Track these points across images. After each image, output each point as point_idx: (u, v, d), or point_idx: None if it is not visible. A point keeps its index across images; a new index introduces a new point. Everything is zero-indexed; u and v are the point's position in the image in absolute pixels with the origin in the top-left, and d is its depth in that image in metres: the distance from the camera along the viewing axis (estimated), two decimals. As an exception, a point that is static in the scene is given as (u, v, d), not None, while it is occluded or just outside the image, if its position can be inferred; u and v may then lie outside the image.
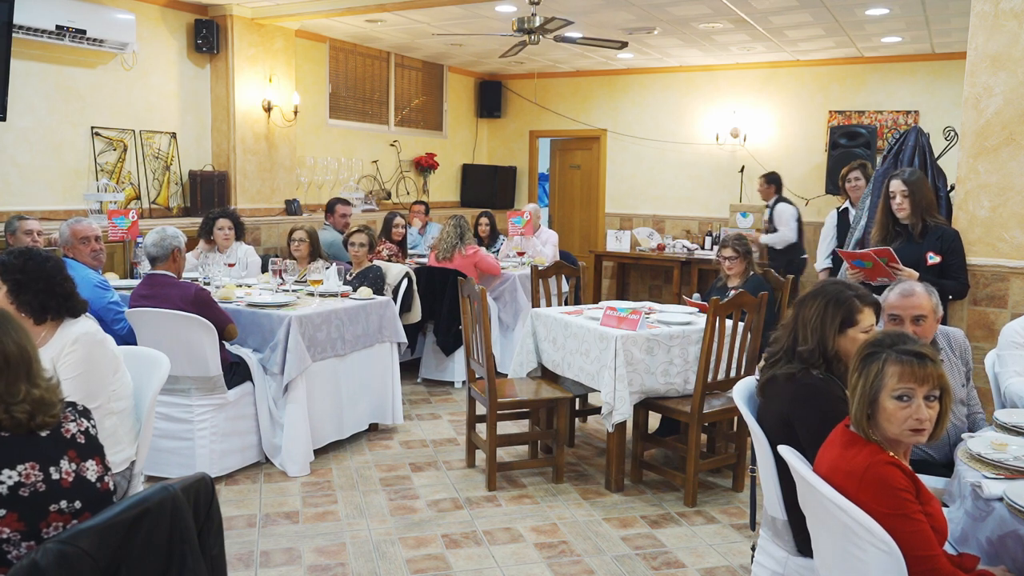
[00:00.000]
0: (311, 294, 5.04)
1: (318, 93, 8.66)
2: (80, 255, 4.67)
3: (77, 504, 1.91)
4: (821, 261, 6.01)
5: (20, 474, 1.83)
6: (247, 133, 7.47)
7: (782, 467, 2.43)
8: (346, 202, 7.46)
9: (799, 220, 7.48)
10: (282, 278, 5.37)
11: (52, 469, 1.89)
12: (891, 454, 2.07)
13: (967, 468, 2.36)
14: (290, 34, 7.82)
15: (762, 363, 2.76)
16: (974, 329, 4.43)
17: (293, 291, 5.19)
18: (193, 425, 4.33)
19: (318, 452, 4.76)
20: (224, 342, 4.41)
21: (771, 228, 7.59)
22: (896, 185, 4.19)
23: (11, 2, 5.31)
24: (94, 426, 2.09)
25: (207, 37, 7.13)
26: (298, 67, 8.10)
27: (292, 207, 7.91)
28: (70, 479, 1.91)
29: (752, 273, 5.07)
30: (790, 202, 7.64)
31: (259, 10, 7.24)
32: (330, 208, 7.39)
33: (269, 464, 4.63)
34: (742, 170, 9.47)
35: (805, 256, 7.60)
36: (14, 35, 5.50)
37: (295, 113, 7.85)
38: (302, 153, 8.42)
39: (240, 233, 6.28)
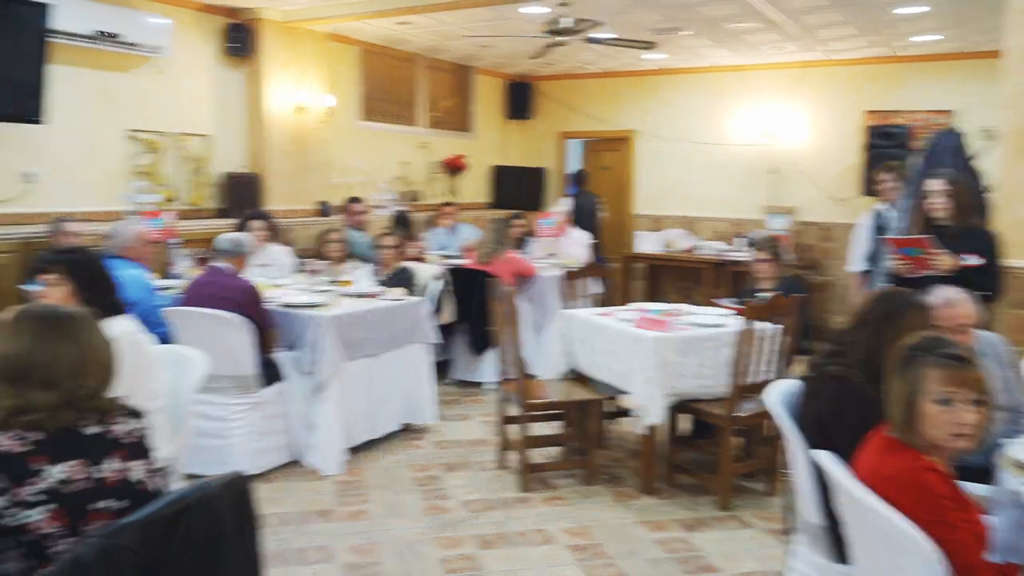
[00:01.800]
0: (344, 295, 5.07)
1: (350, 95, 8.71)
2: (144, 256, 4.87)
3: (119, 504, 1.93)
4: (857, 263, 5.92)
5: (67, 471, 1.86)
6: (280, 135, 7.53)
7: (819, 472, 2.40)
8: (358, 200, 7.72)
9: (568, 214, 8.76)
10: (315, 279, 5.42)
11: (96, 468, 1.91)
12: (931, 460, 2.05)
13: (1009, 475, 2.32)
14: (321, 37, 7.87)
15: (793, 364, 2.74)
16: (1013, 333, 4.35)
17: (326, 291, 5.24)
18: (229, 423, 4.38)
19: (351, 451, 4.79)
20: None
21: None
22: (935, 184, 4.13)
23: (47, 7, 5.39)
24: (146, 427, 2.11)
25: (240, 40, 7.20)
26: (330, 69, 8.15)
27: (324, 208, 7.97)
28: (114, 479, 1.93)
29: (785, 275, 5.03)
30: (567, 197, 9.08)
31: (289, 14, 7.30)
32: (345, 208, 7.66)
33: (303, 463, 4.67)
34: (774, 171, 9.37)
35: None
36: (53, 40, 5.59)
37: (327, 115, 7.91)
38: (333, 155, 8.48)
39: (276, 235, 6.38)
